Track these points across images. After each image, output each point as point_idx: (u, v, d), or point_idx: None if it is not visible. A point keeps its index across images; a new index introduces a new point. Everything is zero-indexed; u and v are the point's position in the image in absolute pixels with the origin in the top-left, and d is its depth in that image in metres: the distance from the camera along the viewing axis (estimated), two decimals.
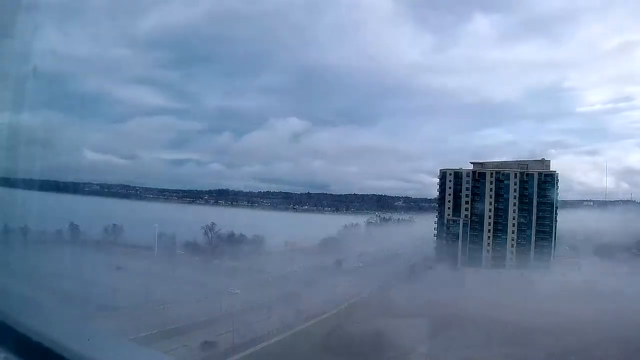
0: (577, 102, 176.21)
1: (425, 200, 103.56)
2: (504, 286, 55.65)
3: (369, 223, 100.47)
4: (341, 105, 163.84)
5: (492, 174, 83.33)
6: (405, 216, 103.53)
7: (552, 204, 79.77)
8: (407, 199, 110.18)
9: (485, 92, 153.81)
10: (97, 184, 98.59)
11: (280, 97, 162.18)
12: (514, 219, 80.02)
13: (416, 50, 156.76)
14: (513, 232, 79.17)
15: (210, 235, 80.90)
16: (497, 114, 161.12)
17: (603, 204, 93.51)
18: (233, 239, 78.44)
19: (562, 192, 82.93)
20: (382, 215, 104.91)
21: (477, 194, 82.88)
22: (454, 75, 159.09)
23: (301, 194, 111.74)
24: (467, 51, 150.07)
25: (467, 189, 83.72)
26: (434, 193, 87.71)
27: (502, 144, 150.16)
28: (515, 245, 78.23)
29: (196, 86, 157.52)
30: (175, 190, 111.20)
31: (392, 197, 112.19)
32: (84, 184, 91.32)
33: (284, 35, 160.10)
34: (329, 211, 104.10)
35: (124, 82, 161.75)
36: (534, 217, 78.97)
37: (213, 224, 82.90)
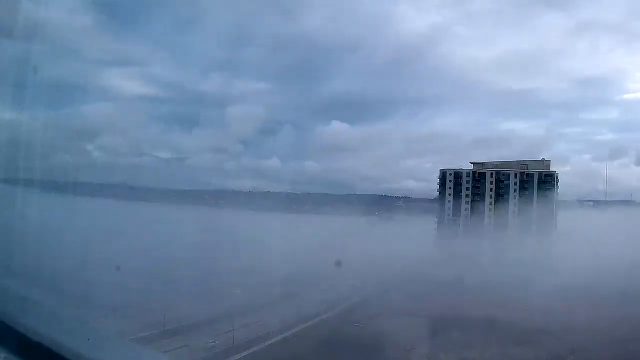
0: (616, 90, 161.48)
1: (426, 200, 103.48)
2: (500, 286, 55.93)
3: (368, 224, 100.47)
4: (342, 95, 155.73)
5: (492, 174, 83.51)
6: (406, 217, 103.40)
7: (552, 204, 79.88)
8: (407, 199, 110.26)
9: (507, 79, 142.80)
10: (97, 184, 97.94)
11: (274, 85, 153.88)
12: (514, 218, 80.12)
13: (430, 25, 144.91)
14: (513, 232, 79.21)
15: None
16: (520, 103, 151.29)
17: (604, 203, 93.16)
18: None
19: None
20: (382, 216, 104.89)
21: (477, 194, 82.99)
22: (472, 60, 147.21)
23: (302, 194, 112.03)
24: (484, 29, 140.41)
25: (467, 189, 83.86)
26: (435, 193, 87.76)
27: (521, 139, 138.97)
28: (514, 245, 78.21)
29: (175, 70, 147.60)
30: (175, 190, 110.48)
31: (392, 197, 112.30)
32: (83, 184, 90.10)
33: (268, 9, 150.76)
34: (329, 212, 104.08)
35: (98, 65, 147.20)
36: (534, 217, 79.05)
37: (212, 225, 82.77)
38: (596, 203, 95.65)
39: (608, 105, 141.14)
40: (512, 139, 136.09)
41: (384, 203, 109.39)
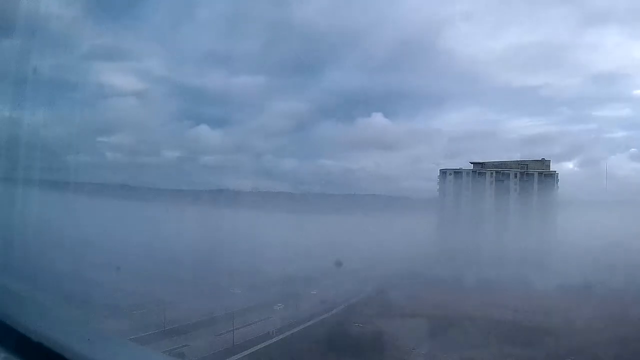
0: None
1: (426, 200, 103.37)
2: (501, 285, 56.03)
3: (368, 224, 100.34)
4: (345, 88, 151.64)
5: (492, 174, 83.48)
6: (406, 217, 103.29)
7: (553, 204, 79.85)
8: (407, 199, 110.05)
9: (514, 74, 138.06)
10: (93, 184, 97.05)
11: (273, 77, 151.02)
12: (514, 219, 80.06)
13: (436, 18, 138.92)
14: (513, 232, 79.14)
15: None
16: (525, 100, 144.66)
17: (611, 204, 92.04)
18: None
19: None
20: (382, 216, 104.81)
21: (477, 194, 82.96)
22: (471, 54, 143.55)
23: (301, 194, 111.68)
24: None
25: (467, 189, 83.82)
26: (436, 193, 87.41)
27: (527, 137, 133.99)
28: (515, 245, 78.16)
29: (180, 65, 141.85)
30: (172, 190, 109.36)
31: (392, 197, 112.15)
32: (78, 183, 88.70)
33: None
34: (329, 211, 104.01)
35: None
36: (535, 217, 79.01)
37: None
38: (602, 203, 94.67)
39: (619, 102, 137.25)
40: (517, 137, 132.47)
41: (384, 203, 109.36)
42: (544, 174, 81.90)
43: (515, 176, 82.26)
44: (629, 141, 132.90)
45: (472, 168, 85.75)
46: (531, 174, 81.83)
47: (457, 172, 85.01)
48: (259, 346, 37.69)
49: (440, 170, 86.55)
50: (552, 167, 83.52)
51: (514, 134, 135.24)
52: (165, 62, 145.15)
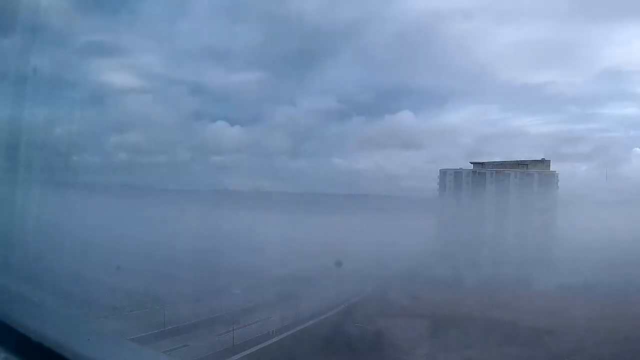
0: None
1: (426, 200, 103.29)
2: (500, 285, 55.98)
3: (368, 224, 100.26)
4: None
5: (492, 174, 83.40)
6: (406, 217, 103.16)
7: (552, 204, 79.80)
8: (407, 199, 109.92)
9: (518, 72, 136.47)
10: (96, 184, 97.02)
11: (273, 75, 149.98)
12: (514, 219, 79.99)
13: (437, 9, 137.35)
14: (513, 233, 79.10)
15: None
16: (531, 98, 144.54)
17: (616, 204, 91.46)
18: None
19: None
20: (382, 216, 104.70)
21: (477, 194, 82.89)
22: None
23: (300, 194, 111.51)
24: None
25: (467, 189, 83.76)
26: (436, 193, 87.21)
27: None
28: (514, 245, 78.15)
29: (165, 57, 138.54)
30: (172, 190, 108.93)
31: (393, 197, 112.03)
32: (77, 183, 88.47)
33: None
34: (328, 212, 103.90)
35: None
36: (535, 218, 78.94)
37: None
38: (605, 203, 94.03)
39: (626, 100, 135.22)
40: (521, 135, 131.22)
41: (384, 203, 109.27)
42: (544, 174, 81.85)
43: (516, 176, 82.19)
44: (631, 140, 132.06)
45: (472, 168, 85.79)
46: (531, 174, 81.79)
47: (457, 172, 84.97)
48: (259, 346, 37.66)
49: (440, 170, 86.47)
50: (560, 166, 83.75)
51: (518, 132, 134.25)
52: (168, 60, 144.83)
